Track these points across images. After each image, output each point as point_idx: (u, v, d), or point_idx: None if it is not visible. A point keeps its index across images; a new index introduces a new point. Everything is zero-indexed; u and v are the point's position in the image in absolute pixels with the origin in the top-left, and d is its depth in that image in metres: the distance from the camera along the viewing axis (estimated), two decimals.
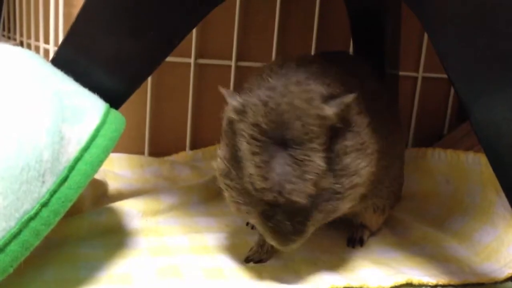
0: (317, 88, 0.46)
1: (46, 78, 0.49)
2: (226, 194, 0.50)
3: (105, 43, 0.56)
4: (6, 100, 0.43)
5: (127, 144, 0.84)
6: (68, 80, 0.52)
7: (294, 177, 0.43)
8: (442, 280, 0.53)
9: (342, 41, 0.90)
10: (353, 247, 0.61)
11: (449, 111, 1.00)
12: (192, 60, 0.87)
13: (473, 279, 0.54)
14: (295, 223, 0.45)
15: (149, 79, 0.85)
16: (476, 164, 0.70)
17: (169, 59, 0.69)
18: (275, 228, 0.46)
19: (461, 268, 0.57)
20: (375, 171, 0.50)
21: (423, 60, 0.96)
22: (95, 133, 0.48)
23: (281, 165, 0.43)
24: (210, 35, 0.87)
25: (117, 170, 0.79)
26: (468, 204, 0.68)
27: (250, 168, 0.45)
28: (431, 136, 0.95)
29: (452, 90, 0.98)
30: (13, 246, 0.39)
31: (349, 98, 0.45)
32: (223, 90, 0.49)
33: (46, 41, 0.87)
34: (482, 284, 0.54)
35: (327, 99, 0.45)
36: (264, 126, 0.44)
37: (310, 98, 0.45)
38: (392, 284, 0.52)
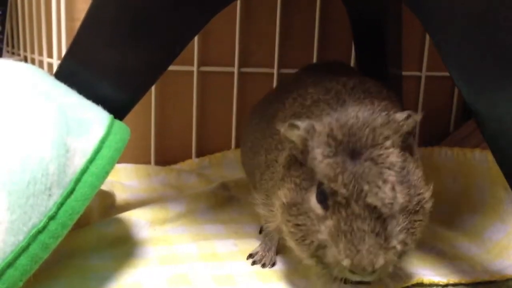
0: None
1: (49, 91, 0.49)
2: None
3: (107, 55, 0.56)
4: (10, 114, 0.43)
5: (133, 154, 0.85)
6: (72, 92, 0.52)
7: None
8: (453, 279, 0.53)
9: (344, 44, 0.90)
10: None
11: (454, 109, 0.99)
12: (195, 68, 0.87)
13: (484, 277, 0.54)
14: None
15: (153, 88, 0.85)
16: (484, 161, 0.69)
17: (172, 67, 0.69)
18: None
19: (472, 266, 0.57)
20: None
21: (425, 59, 0.96)
22: (100, 144, 0.48)
23: None
24: (212, 43, 0.88)
25: (124, 180, 0.80)
26: (477, 202, 0.68)
27: None
28: (437, 135, 0.95)
29: (457, 88, 0.97)
30: (22, 260, 0.39)
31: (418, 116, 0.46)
32: None
33: (50, 55, 0.87)
34: (494, 281, 0.53)
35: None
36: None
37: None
38: (403, 284, 0.51)
